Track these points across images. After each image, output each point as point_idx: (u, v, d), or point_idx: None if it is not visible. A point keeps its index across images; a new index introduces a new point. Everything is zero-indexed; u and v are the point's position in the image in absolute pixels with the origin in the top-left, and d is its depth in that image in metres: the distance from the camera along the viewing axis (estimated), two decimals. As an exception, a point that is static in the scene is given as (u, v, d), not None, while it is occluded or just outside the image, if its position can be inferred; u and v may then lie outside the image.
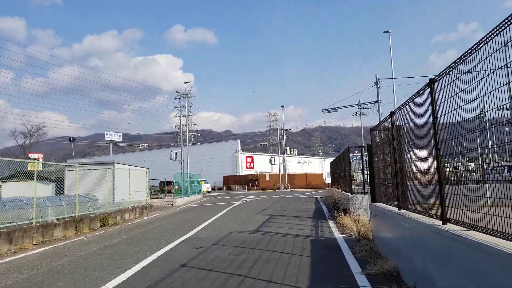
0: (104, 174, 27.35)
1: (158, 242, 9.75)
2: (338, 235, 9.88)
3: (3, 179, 29.38)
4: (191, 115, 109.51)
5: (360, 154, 14.62)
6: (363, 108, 60.68)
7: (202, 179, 51.79)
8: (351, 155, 15.65)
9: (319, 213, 15.88)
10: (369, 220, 10.08)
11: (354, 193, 13.34)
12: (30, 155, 42.63)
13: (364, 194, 13.15)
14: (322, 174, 77.26)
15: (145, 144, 49.04)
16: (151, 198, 31.84)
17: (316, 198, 26.25)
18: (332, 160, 27.97)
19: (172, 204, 23.87)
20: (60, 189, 30.22)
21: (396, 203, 6.38)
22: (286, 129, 59.98)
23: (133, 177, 25.35)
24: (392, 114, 6.45)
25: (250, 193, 43.06)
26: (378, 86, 28.29)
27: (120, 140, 42.04)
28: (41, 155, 43.73)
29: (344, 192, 15.13)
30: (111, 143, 41.48)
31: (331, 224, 12.32)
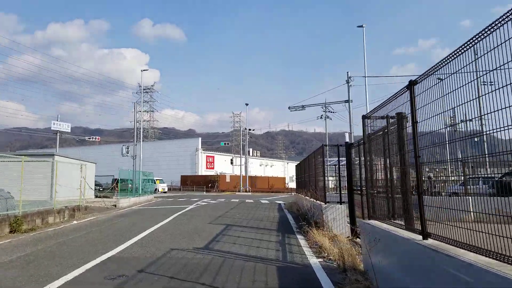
0: (44, 167, 23.56)
1: (64, 264, 6.92)
2: (313, 260, 7.49)
3: None
4: (152, 111, 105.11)
5: (335, 156, 12.43)
6: (329, 112, 59.97)
7: (157, 178, 48.27)
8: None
9: (284, 224, 13.52)
10: (358, 242, 7.89)
11: (328, 202, 11.09)
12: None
13: (341, 204, 10.94)
14: (284, 178, 75.69)
15: (97, 138, 44.72)
16: (101, 197, 28.26)
17: (279, 204, 23.98)
18: (297, 163, 25.86)
19: (115, 206, 20.66)
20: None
21: (416, 227, 4.10)
22: (250, 129, 57.68)
23: (68, 172, 21.89)
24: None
25: (208, 195, 40.21)
26: (349, 84, 26.57)
27: (69, 130, 37.76)
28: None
29: (314, 201, 12.87)
30: (58, 134, 37.12)
31: (301, 240, 9.96)
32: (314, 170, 13.33)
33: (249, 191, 51.26)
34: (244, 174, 53.90)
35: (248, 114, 54.53)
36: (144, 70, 33.90)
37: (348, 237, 10.56)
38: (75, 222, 13.78)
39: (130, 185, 26.32)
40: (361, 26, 26.67)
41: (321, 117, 60.72)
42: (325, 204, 11.03)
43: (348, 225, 10.80)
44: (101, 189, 35.34)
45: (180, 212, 17.58)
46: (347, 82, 26.93)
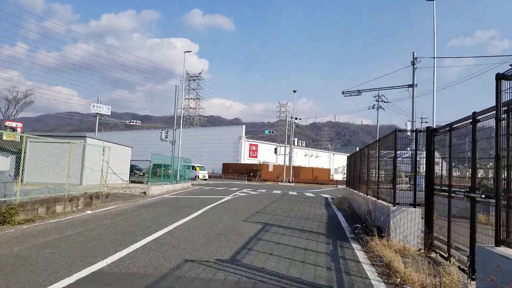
0: (76, 149, 22.42)
1: (33, 280, 4.87)
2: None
3: None
4: (199, 99, 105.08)
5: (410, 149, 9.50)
6: (382, 101, 55.36)
7: (198, 165, 47.04)
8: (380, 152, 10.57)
9: (334, 227, 10.88)
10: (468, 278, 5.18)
11: (398, 204, 8.29)
12: (7, 123, 38.11)
13: (415, 207, 8.12)
14: (329, 170, 72.17)
15: (138, 122, 44.20)
16: (137, 182, 27.05)
17: (326, 198, 21.24)
18: (344, 154, 22.83)
19: (145, 193, 19.03)
20: (18, 162, 25.67)
21: None
22: (296, 118, 54.70)
23: (100, 155, 20.58)
24: None
25: (249, 184, 38.17)
26: (415, 66, 22.90)
27: (109, 113, 37.26)
28: (20, 124, 39.18)
29: (375, 200, 10.06)
30: (97, 116, 36.70)
31: (359, 252, 7.40)
32: (377, 163, 10.48)
33: (292, 182, 48.69)
34: (288, 164, 51.31)
35: (294, 104, 51.43)
36: (187, 52, 32.18)
37: (419, 249, 7.82)
38: (88, 212, 12.04)
39: (161, 171, 24.75)
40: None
41: (373, 107, 56.37)
42: (394, 206, 8.24)
43: (421, 234, 8.02)
44: (141, 174, 34.49)
45: (213, 204, 15.47)
46: (413, 63, 23.24)
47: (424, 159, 8.30)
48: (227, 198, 18.94)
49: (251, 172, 53.08)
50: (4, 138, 25.37)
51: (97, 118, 36.22)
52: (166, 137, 30.96)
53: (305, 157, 74.87)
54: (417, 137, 8.44)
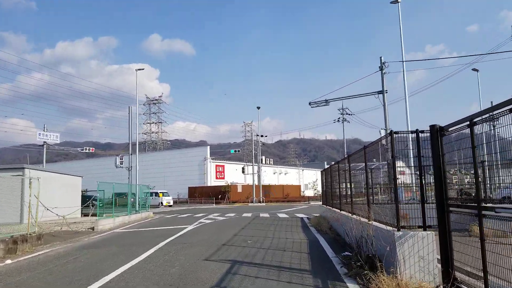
0: (15, 184, 19.44)
1: None
2: None
3: None
4: (161, 122, 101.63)
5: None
6: (347, 114, 55.02)
7: (161, 191, 43.99)
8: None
9: (320, 258, 8.81)
10: None
11: (403, 227, 6.39)
12: None
13: (425, 230, 6.26)
14: (299, 186, 70.75)
15: (91, 149, 40.78)
16: (93, 215, 23.78)
17: (302, 219, 19.25)
18: (325, 168, 21.16)
19: (92, 229, 16.20)
20: None
21: None
22: (262, 135, 53.10)
23: (50, 188, 17.64)
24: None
25: (217, 208, 35.62)
26: (383, 72, 21.81)
27: (58, 141, 33.82)
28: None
29: (370, 223, 8.09)
30: (44, 146, 33.12)
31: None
32: (365, 175, 8.60)
33: (263, 202, 46.55)
34: (257, 183, 49.24)
35: (259, 123, 50.19)
36: (139, 70, 29.80)
37: (437, 286, 5.94)
38: (8, 262, 9.30)
39: (116, 201, 21.86)
40: (396, 2, 22.09)
41: (338, 120, 55.96)
42: (398, 230, 6.32)
43: (438, 265, 6.16)
44: (100, 205, 30.94)
45: (172, 237, 13.02)
46: (381, 68, 22.17)
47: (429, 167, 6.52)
48: (190, 228, 16.48)
49: (219, 194, 50.48)
50: None
51: (44, 147, 32.66)
52: (121, 163, 28.08)
53: (274, 175, 73.20)
54: (418, 139, 6.65)
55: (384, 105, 21.97)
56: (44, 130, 32.90)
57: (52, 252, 10.79)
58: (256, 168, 49.60)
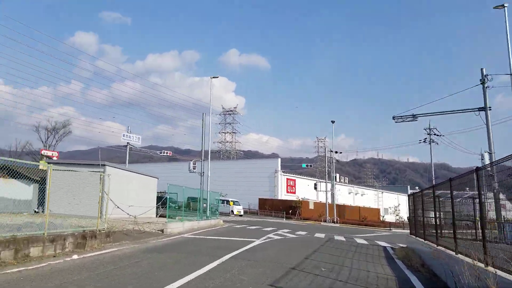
0: (96, 179, 20.18)
1: None
2: None
3: None
4: (235, 132, 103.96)
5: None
6: (434, 134, 50.08)
7: (232, 199, 43.98)
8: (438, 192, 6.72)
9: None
10: None
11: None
12: (43, 151, 37.53)
13: None
14: (378, 210, 66.23)
15: (169, 152, 42.46)
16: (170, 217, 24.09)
17: (385, 248, 17.06)
18: (415, 192, 18.70)
19: (162, 231, 16.02)
20: (42, 192, 23.79)
21: None
22: (336, 151, 50.65)
23: (126, 186, 18.15)
24: None
25: (287, 224, 34.27)
26: (486, 85, 18.85)
27: (139, 143, 35.63)
28: (55, 153, 38.51)
29: (491, 270, 6.11)
30: (128, 146, 35.09)
31: None
32: (480, 204, 6.69)
33: (336, 222, 44.01)
34: (330, 202, 46.87)
35: (333, 137, 47.50)
36: (214, 77, 30.12)
37: None
38: (74, 257, 9.10)
39: (190, 205, 21.80)
40: (502, 7, 19.18)
41: (424, 141, 51.27)
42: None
43: None
44: (176, 207, 31.68)
45: (237, 251, 12.08)
46: (482, 82, 19.25)
47: None
48: (257, 242, 15.44)
49: (290, 209, 49.07)
50: (41, 167, 23.92)
51: (127, 148, 34.59)
52: (194, 168, 28.35)
53: (349, 195, 69.65)
54: None
55: (487, 124, 18.87)
56: (128, 132, 34.87)
57: (118, 252, 10.49)
58: (329, 185, 47.27)
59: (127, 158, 34.70)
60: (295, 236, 20.08)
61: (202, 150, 27.21)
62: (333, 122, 46.84)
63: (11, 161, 17.00)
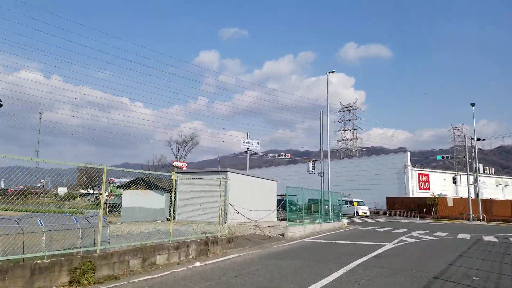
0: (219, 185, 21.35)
1: None
2: None
3: (124, 186, 25.74)
4: (355, 129, 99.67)
5: None
6: None
7: (356, 200, 41.75)
8: None
9: None
10: None
11: None
12: (174, 163, 41.60)
13: None
14: (536, 204, 55.20)
15: (287, 155, 42.57)
16: (291, 220, 24.04)
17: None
18: None
19: (283, 235, 15.66)
20: (174, 200, 26.06)
21: None
22: (478, 139, 43.76)
23: (248, 190, 18.51)
24: None
25: (421, 224, 30.76)
26: None
27: (258, 148, 36.60)
28: (185, 164, 42.32)
29: None
30: (248, 152, 36.37)
31: None
32: None
33: (483, 220, 37.94)
34: (473, 197, 40.74)
35: (474, 124, 40.86)
36: (330, 72, 28.83)
37: None
38: (197, 264, 9.23)
39: (309, 207, 21.04)
40: None
41: None
42: None
43: None
44: (297, 210, 31.49)
45: (366, 257, 10.83)
46: None
47: None
48: (388, 246, 13.81)
49: (424, 207, 44.21)
50: (173, 178, 26.57)
51: (247, 153, 35.86)
52: (313, 169, 27.53)
53: (497, 188, 59.84)
54: None
55: None
56: (247, 138, 36.17)
57: (239, 258, 10.36)
58: (471, 178, 41.10)
59: (248, 163, 35.98)
60: (433, 238, 17.57)
61: (321, 149, 26.31)
62: (473, 105, 40.74)
63: (143, 173, 18.77)
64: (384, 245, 14.08)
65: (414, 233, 19.48)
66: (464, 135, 40.42)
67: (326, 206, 23.91)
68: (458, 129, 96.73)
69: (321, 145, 26.64)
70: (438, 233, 20.02)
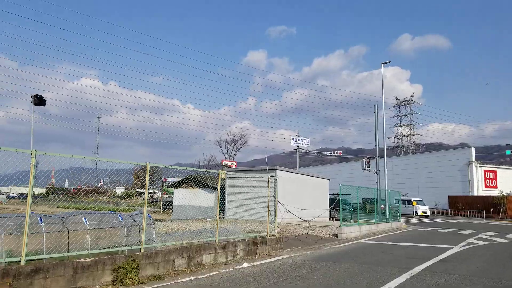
0: (271, 184, 20.97)
1: None
2: None
3: (175, 185, 26.29)
4: (413, 124, 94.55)
5: None
6: None
7: (414, 199, 39.32)
8: None
9: None
10: None
11: None
12: (224, 162, 41.85)
13: None
14: None
15: (339, 152, 41.04)
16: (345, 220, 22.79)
17: None
18: None
19: (336, 236, 14.78)
20: (222, 199, 25.93)
21: None
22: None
23: (305, 189, 17.86)
24: None
25: (489, 224, 28.09)
26: None
27: (308, 145, 35.67)
28: (234, 162, 42.44)
29: None
30: (297, 150, 35.56)
31: None
32: None
33: (561, 222, 33.96)
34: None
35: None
36: (385, 63, 27.28)
37: None
38: (245, 265, 8.79)
39: (366, 207, 19.84)
40: None
41: None
42: None
43: None
44: (351, 209, 30.09)
45: (430, 262, 9.75)
46: None
47: None
48: (455, 249, 12.46)
49: (490, 206, 40.62)
50: (223, 176, 26.61)
51: (297, 151, 35.05)
52: (368, 166, 26.08)
53: None
54: None
55: None
56: (297, 136, 35.37)
57: (289, 260, 9.77)
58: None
59: (297, 161, 35.16)
60: (506, 240, 15.73)
61: (376, 145, 24.79)
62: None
63: (191, 170, 18.67)
64: (450, 248, 12.74)
65: (483, 235, 17.62)
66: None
67: (383, 206, 22.54)
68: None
69: (376, 141, 25.14)
70: (510, 235, 17.96)
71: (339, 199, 20.25)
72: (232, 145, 52.43)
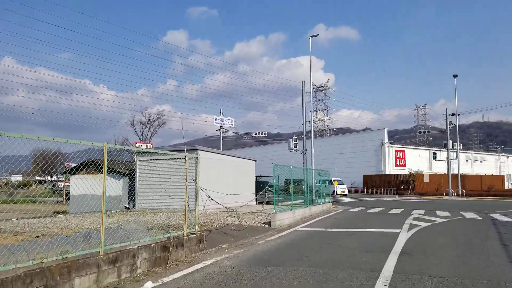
0: (192, 167, 17.44)
1: None
2: None
3: (71, 171, 21.13)
4: (327, 109, 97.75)
5: None
6: None
7: (334, 178, 39.42)
8: None
9: None
10: None
11: None
12: (137, 144, 37.26)
13: None
14: (502, 177, 55.65)
15: (264, 132, 39.41)
16: (268, 203, 20.56)
17: None
18: None
19: (269, 224, 12.42)
20: (132, 186, 22.06)
21: None
22: (452, 114, 42.40)
23: (231, 171, 15.02)
24: None
25: (406, 201, 28.71)
26: None
27: (233, 125, 33.13)
28: (150, 145, 38.07)
29: None
30: (221, 130, 32.79)
31: None
32: None
33: (462, 195, 36.75)
34: (453, 173, 39.55)
35: (456, 98, 39.27)
36: (313, 36, 25.64)
37: None
38: (148, 285, 5.76)
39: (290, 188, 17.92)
40: None
41: None
42: None
43: None
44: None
45: (395, 258, 7.79)
46: None
47: None
48: (404, 234, 10.89)
49: (400, 184, 42.76)
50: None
51: (220, 131, 32.31)
52: (295, 146, 24.49)
53: (467, 163, 59.76)
54: None
55: None
56: (220, 115, 32.66)
57: (215, 268, 6.97)
58: (453, 154, 39.78)
59: (221, 143, 32.46)
60: (442, 220, 14.95)
61: (303, 123, 23.14)
62: (455, 76, 39.01)
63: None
64: (397, 232, 11.21)
65: (416, 214, 16.87)
66: (447, 113, 38.87)
67: (312, 187, 21.00)
68: (421, 109, 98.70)
69: (303, 119, 23.49)
70: (440, 213, 17.55)
71: (274, 181, 17.83)
72: (148, 126, 47.47)
